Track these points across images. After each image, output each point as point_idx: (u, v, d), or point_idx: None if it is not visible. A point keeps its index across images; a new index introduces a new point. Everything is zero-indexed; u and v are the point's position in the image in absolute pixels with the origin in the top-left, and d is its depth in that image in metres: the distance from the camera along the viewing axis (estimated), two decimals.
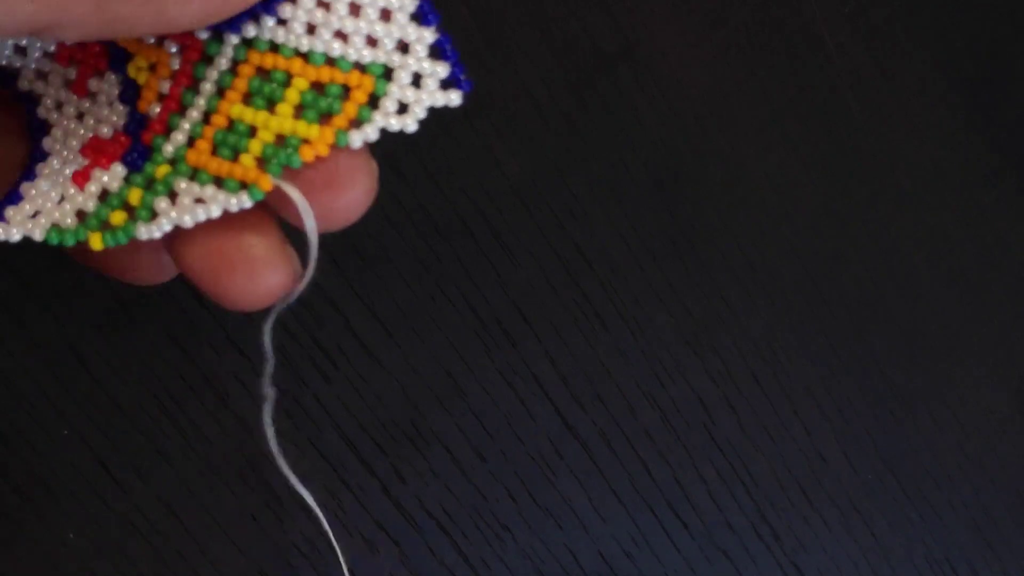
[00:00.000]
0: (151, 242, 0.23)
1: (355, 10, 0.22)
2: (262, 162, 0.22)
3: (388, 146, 0.33)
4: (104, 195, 0.23)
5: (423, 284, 0.37)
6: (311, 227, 0.23)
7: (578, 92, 0.38)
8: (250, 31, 0.22)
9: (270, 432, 0.26)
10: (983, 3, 0.43)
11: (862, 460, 0.42)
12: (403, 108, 0.22)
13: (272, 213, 0.23)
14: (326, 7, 0.22)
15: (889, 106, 0.42)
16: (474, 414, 0.38)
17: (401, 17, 0.22)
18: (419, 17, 0.22)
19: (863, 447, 0.42)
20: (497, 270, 0.38)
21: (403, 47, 0.22)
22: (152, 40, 0.22)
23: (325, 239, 0.35)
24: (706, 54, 0.40)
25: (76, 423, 0.35)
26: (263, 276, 0.24)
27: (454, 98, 0.22)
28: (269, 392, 0.26)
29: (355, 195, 0.23)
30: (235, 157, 0.22)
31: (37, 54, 0.23)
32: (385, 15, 0.22)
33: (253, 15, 0.22)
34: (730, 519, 0.40)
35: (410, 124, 0.22)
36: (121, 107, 0.23)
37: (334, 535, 0.37)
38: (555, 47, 0.38)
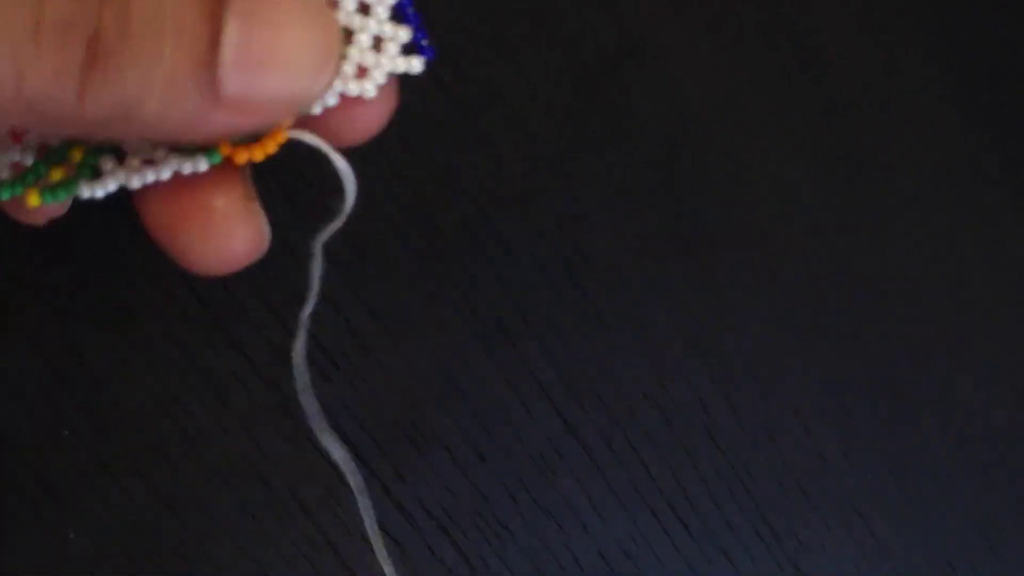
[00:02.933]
0: None
1: None
2: None
3: (388, 146, 0.33)
4: (43, 150, 0.22)
5: (423, 284, 0.37)
6: (339, 162, 0.22)
7: (580, 91, 0.38)
8: None
9: (301, 370, 0.25)
10: (984, 3, 0.43)
11: (863, 460, 0.42)
12: (362, 71, 0.21)
13: (238, 168, 0.22)
14: None
15: (891, 106, 0.42)
16: (474, 414, 0.38)
17: None
18: None
19: (864, 447, 0.42)
20: (497, 270, 0.38)
21: (364, 8, 0.21)
22: None
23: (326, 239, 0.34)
24: (709, 53, 0.40)
25: (76, 423, 0.35)
26: (225, 234, 0.22)
27: (415, 64, 0.22)
28: (305, 323, 0.25)
29: (373, 109, 0.22)
30: None
31: None
32: None
33: None
34: (730, 519, 0.40)
35: (369, 89, 0.21)
36: None
37: (334, 535, 0.37)
38: (558, 45, 0.38)
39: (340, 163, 0.22)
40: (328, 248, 0.36)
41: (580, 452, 0.39)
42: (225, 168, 0.22)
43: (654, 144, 0.39)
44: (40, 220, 0.23)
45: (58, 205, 0.23)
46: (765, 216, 0.41)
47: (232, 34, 0.18)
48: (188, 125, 0.18)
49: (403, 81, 0.23)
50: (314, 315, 0.36)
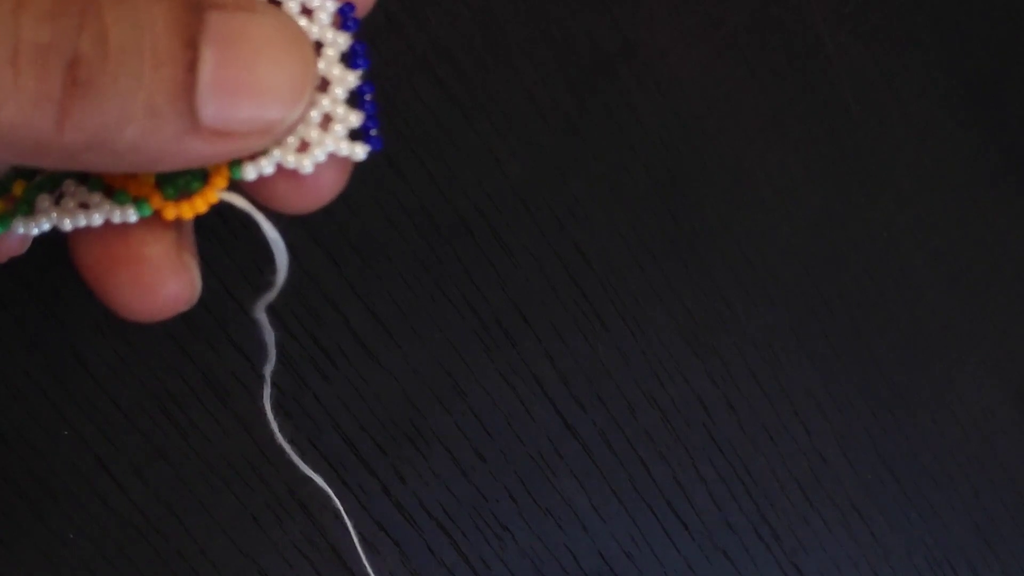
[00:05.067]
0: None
1: None
2: (159, 183, 0.21)
3: (388, 146, 0.33)
4: None
5: (423, 284, 0.37)
6: (268, 230, 0.21)
7: (578, 92, 0.38)
8: None
9: (271, 419, 0.25)
10: (984, 3, 0.43)
11: (862, 460, 0.42)
12: (304, 145, 0.21)
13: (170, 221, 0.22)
14: None
15: (889, 106, 0.42)
16: (474, 414, 0.38)
17: (330, 52, 0.21)
18: (349, 58, 0.21)
19: (863, 447, 0.42)
20: (497, 270, 0.38)
21: (323, 85, 0.21)
22: None
23: (324, 237, 0.35)
24: (706, 54, 0.40)
25: (76, 423, 0.35)
26: (154, 283, 0.22)
27: (358, 151, 0.21)
28: (267, 379, 0.25)
29: (321, 180, 0.22)
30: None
31: None
32: (316, 47, 0.21)
33: None
34: (730, 519, 0.40)
35: (307, 165, 0.21)
36: None
37: (334, 535, 0.37)
38: (555, 47, 0.38)
39: (270, 231, 0.22)
40: (328, 248, 0.36)
41: (580, 452, 0.39)
42: (157, 219, 0.22)
43: (653, 144, 0.39)
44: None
45: (16, 244, 0.23)
46: (764, 216, 0.41)
47: (209, 60, 0.18)
48: (165, 152, 0.18)
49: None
50: (314, 315, 0.36)
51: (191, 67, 0.18)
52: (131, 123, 0.17)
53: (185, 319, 0.36)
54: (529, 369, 0.38)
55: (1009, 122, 0.43)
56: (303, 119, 0.20)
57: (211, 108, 0.18)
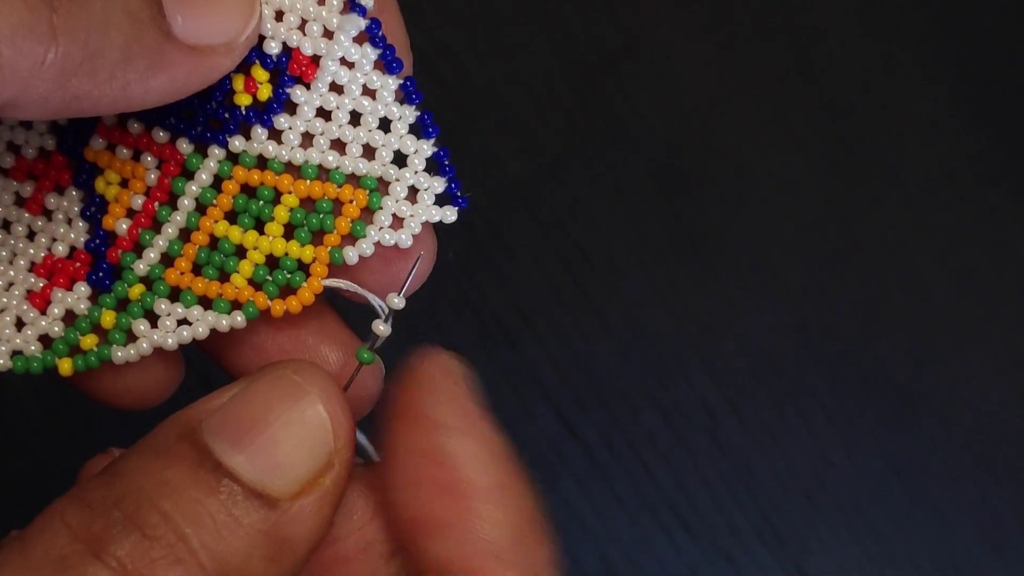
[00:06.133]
0: (143, 363, 0.22)
1: (355, 118, 0.21)
2: (254, 283, 0.21)
3: None
4: (70, 317, 0.22)
5: (423, 284, 0.37)
6: (372, 299, 0.22)
7: (580, 90, 0.38)
8: (236, 144, 0.21)
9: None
10: (985, 3, 0.43)
11: (866, 462, 0.41)
12: (398, 221, 0.22)
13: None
14: (326, 116, 0.21)
15: (892, 105, 0.42)
16: None
17: (401, 127, 0.21)
18: (419, 128, 0.22)
19: (867, 449, 0.41)
20: (497, 270, 0.38)
21: (400, 159, 0.22)
22: (127, 153, 0.21)
23: None
24: (709, 52, 0.40)
25: (76, 423, 0.35)
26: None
27: (449, 215, 0.22)
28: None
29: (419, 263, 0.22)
30: (221, 277, 0.21)
31: None
32: (384, 124, 0.22)
33: (243, 125, 0.21)
34: (733, 522, 0.40)
35: (405, 239, 0.22)
36: (82, 224, 0.22)
37: None
38: (557, 45, 0.38)
39: (376, 302, 0.22)
40: None
41: (581, 454, 0.39)
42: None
43: (654, 143, 0.39)
44: (137, 404, 0.24)
45: (159, 388, 0.23)
46: (765, 216, 0.41)
47: None
48: (152, 61, 0.19)
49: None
50: None
51: None
52: (114, 27, 0.19)
53: None
54: (529, 369, 0.38)
55: (1012, 121, 0.43)
56: (255, 37, 0.21)
57: (179, 18, 0.19)
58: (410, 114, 0.22)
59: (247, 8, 0.21)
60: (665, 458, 0.40)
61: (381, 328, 0.22)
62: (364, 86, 0.21)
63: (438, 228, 0.23)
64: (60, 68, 0.18)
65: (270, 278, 0.21)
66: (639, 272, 0.39)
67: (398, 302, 0.22)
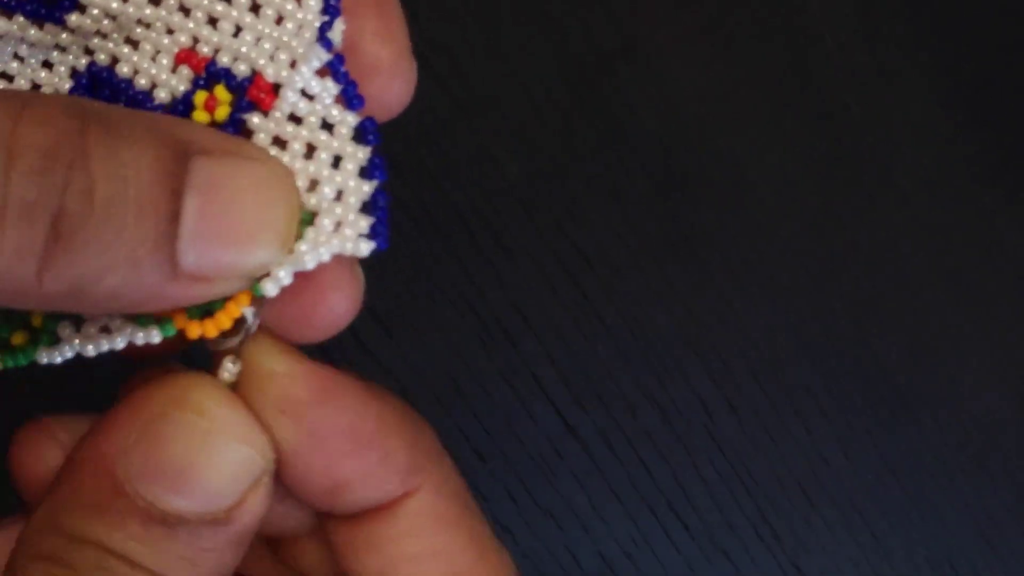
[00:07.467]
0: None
1: (311, 151, 0.21)
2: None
3: (388, 146, 0.33)
4: (6, 315, 0.22)
5: (423, 284, 0.37)
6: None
7: (577, 91, 0.38)
8: None
9: None
10: (984, 3, 0.43)
11: (863, 460, 0.41)
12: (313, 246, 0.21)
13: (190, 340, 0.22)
14: (282, 145, 0.21)
15: (889, 106, 0.42)
16: (474, 414, 0.38)
17: (349, 166, 0.21)
18: (367, 170, 0.21)
19: (864, 447, 0.41)
20: (497, 270, 0.38)
21: (338, 195, 0.21)
22: None
23: None
24: (706, 53, 0.40)
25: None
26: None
27: (363, 248, 0.21)
28: None
29: (338, 302, 0.22)
30: None
31: None
32: (335, 160, 0.21)
33: None
34: (731, 520, 0.40)
35: (313, 259, 0.21)
36: None
37: None
38: (554, 45, 0.38)
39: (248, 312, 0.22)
40: None
41: (580, 452, 0.39)
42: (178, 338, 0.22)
43: (651, 144, 0.39)
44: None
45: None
46: (762, 216, 0.41)
47: (192, 209, 0.18)
48: (144, 298, 0.18)
49: None
50: None
51: (174, 217, 0.18)
52: (111, 273, 0.18)
53: None
54: (529, 369, 0.38)
55: (1009, 122, 0.43)
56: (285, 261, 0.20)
57: (192, 255, 0.18)
58: (363, 155, 0.21)
59: (280, 233, 0.19)
60: (663, 456, 0.40)
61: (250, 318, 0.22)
62: (323, 119, 0.21)
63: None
64: (44, 299, 0.18)
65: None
66: (637, 272, 0.39)
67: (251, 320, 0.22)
